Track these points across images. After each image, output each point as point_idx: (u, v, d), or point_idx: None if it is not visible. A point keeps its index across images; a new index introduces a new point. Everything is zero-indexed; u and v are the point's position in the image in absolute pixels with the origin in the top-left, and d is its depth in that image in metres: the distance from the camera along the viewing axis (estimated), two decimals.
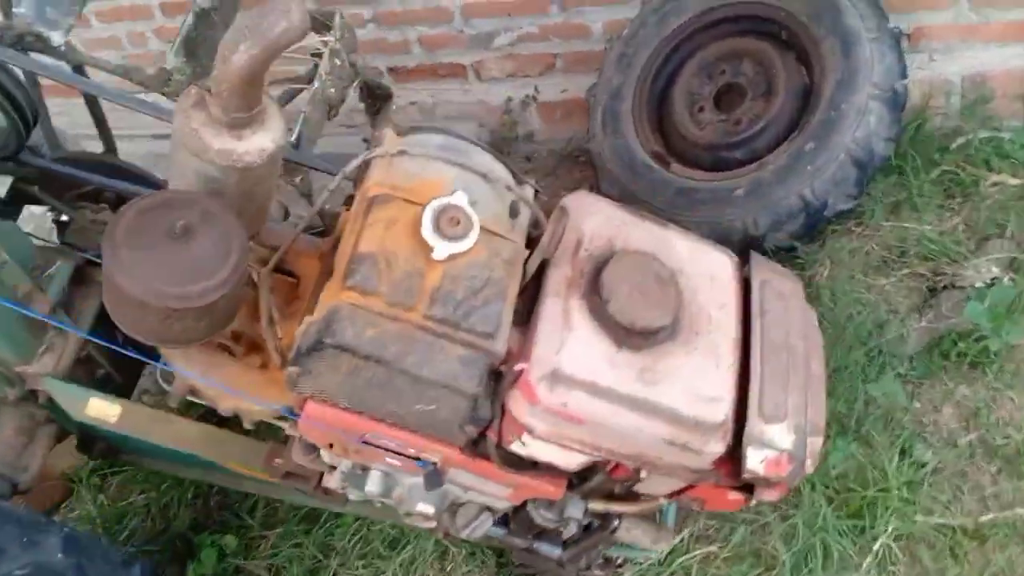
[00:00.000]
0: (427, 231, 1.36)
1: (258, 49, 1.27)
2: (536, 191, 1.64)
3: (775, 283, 1.60)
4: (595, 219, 1.53)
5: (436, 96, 3.44)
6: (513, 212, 1.54)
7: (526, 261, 1.48)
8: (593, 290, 1.43)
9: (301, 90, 2.07)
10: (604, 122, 2.83)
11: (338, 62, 2.03)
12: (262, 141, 1.38)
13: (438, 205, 1.38)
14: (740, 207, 2.56)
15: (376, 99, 2.26)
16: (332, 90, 2.01)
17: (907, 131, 2.70)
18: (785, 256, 2.60)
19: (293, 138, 1.90)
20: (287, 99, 2.09)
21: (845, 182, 2.51)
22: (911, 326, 2.35)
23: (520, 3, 3.12)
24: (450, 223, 1.37)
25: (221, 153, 1.35)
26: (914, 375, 2.26)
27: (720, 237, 2.59)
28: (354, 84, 2.17)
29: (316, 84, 1.97)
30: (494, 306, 1.36)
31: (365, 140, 2.25)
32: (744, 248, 2.57)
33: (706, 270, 1.55)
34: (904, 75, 2.56)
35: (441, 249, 1.36)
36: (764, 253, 2.58)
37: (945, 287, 2.41)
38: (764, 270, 1.62)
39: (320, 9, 2.08)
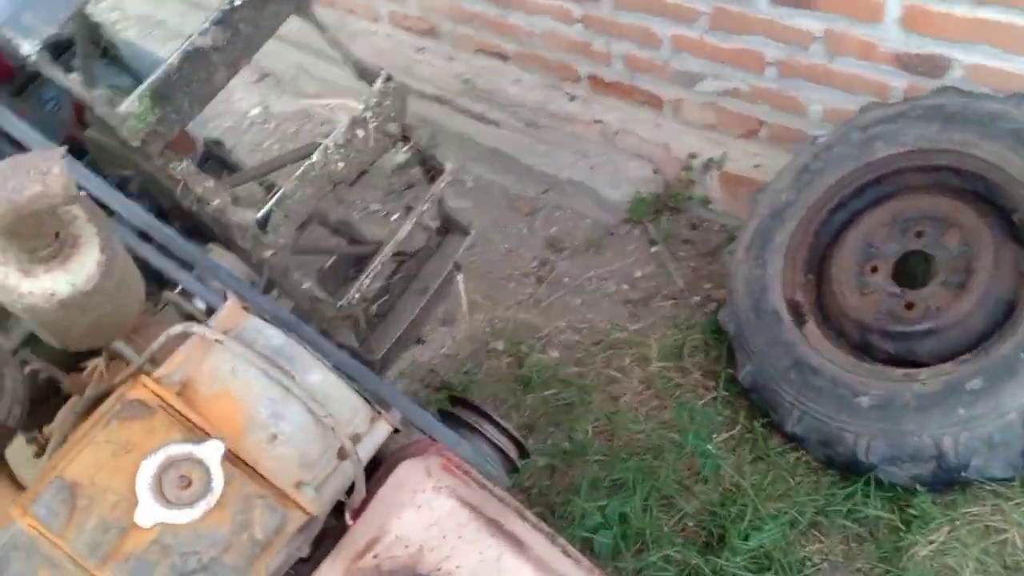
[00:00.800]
0: (142, 486, 1.08)
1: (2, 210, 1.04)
2: (396, 429, 1.27)
3: None
4: (417, 515, 1.15)
5: (624, 122, 2.97)
6: (342, 455, 1.20)
7: None
8: None
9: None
10: (752, 241, 2.26)
11: (360, 133, 1.72)
12: (54, 284, 1.15)
13: (172, 454, 1.08)
14: (858, 419, 1.97)
15: (428, 170, 1.93)
16: (340, 165, 1.71)
17: None
18: (897, 494, 1.98)
19: (260, 215, 1.65)
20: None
21: (1005, 449, 1.84)
22: None
23: (735, 54, 2.57)
24: (177, 483, 1.07)
25: (1, 289, 1.15)
26: None
27: (821, 441, 2.04)
28: (403, 150, 1.86)
29: (315, 156, 1.68)
30: None
31: (409, 207, 1.95)
32: (846, 467, 2.02)
33: None
34: None
35: (148, 514, 1.07)
36: (868, 483, 2.00)
37: None
38: None
39: (369, 66, 1.76)
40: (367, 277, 1.83)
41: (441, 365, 2.54)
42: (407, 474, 1.19)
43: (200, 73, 1.60)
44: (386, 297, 2.10)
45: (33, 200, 1.03)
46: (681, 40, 2.67)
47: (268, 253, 1.71)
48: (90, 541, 1.08)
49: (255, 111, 3.83)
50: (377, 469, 1.26)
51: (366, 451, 1.24)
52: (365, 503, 1.18)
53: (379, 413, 1.25)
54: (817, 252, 2.23)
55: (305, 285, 1.81)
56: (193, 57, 1.58)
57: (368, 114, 1.73)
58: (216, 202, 1.66)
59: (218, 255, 1.80)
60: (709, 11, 2.53)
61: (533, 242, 2.90)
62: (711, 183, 2.78)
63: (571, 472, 2.15)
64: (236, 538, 1.11)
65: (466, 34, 3.32)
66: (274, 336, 1.22)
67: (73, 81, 1.57)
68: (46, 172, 1.03)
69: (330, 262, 2.26)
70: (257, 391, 1.18)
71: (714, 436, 2.16)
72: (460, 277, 2.16)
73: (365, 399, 1.24)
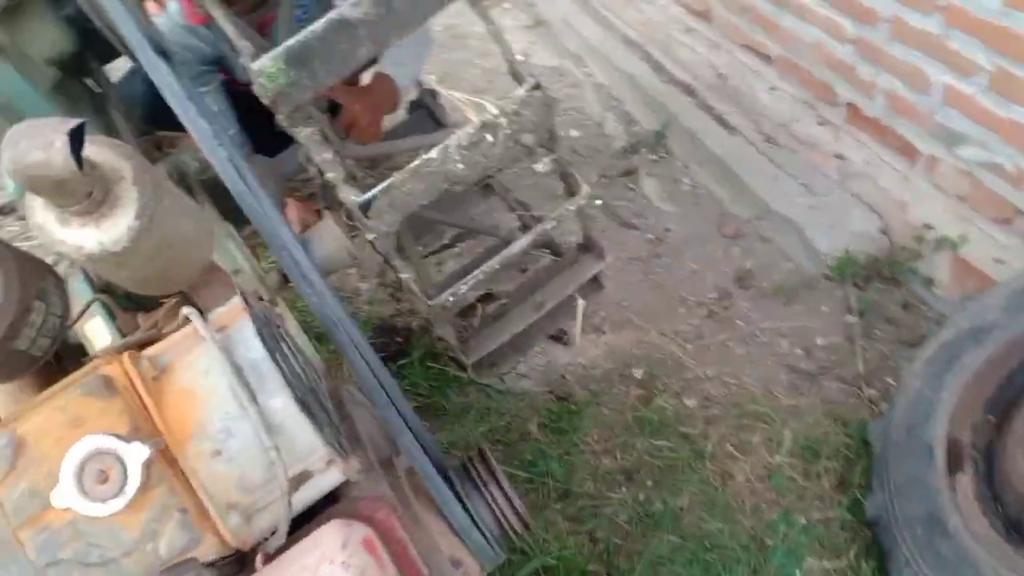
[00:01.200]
0: (66, 468, 1.08)
1: (12, 166, 1.08)
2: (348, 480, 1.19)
3: None
4: None
5: (868, 165, 2.60)
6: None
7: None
8: None
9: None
10: (936, 354, 1.90)
11: (489, 138, 1.61)
12: (84, 239, 1.19)
13: (97, 446, 1.08)
14: None
15: (567, 187, 1.79)
16: (459, 166, 1.61)
17: None
18: None
19: (363, 199, 1.60)
20: None
21: None
22: None
23: (1009, 125, 2.14)
24: (95, 476, 1.07)
25: (38, 228, 1.21)
26: None
27: None
28: (544, 160, 1.74)
29: (433, 153, 1.60)
30: None
31: (540, 218, 1.80)
32: None
33: None
34: None
35: (63, 497, 1.08)
36: None
37: None
38: None
39: (521, 70, 1.63)
40: (465, 284, 1.75)
41: (575, 373, 2.42)
42: (324, 537, 1.12)
43: (343, 44, 1.56)
44: (504, 301, 2.01)
45: (35, 167, 1.05)
46: (953, 92, 2.26)
47: (370, 237, 1.68)
48: (17, 501, 1.12)
49: (517, 57, 3.78)
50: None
51: (309, 494, 1.19)
52: (282, 550, 1.14)
53: (339, 458, 1.19)
54: (1007, 393, 1.83)
55: (403, 275, 1.76)
56: (339, 27, 1.53)
57: (502, 120, 1.61)
58: (330, 175, 1.64)
59: (327, 227, 1.79)
60: (991, 69, 2.10)
61: (724, 269, 2.65)
62: (940, 263, 2.38)
63: (644, 540, 1.98)
64: (141, 546, 1.10)
65: (736, 25, 3.04)
66: (255, 349, 1.18)
67: (228, 26, 1.58)
68: (50, 143, 1.04)
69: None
70: (217, 401, 1.15)
71: (808, 561, 1.88)
72: (581, 304, 2.01)
73: (331, 441, 1.18)
